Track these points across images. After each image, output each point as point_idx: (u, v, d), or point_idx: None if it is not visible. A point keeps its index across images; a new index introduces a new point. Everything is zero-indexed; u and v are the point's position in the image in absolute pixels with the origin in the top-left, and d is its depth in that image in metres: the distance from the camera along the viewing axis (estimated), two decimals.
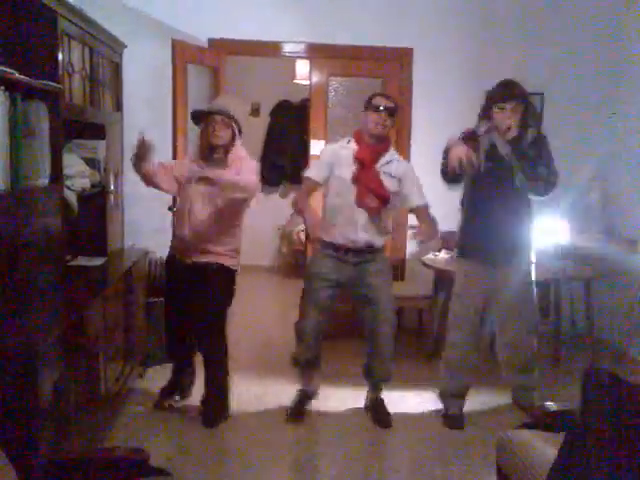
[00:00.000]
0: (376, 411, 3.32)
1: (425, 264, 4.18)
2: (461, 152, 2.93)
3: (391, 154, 3.20)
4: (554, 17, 4.49)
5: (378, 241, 3.20)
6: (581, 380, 1.83)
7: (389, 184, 3.13)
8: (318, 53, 4.40)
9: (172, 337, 3.33)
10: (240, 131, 3.08)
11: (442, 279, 4.20)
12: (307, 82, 4.69)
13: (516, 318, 3.25)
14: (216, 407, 3.22)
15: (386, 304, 3.20)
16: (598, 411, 1.76)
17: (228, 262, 3.13)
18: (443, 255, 4.23)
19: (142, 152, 2.96)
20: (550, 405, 2.46)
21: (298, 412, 3.26)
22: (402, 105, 4.44)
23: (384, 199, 3.09)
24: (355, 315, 3.39)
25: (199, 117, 3.13)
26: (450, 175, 3.06)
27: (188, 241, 3.08)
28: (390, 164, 3.16)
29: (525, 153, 2.98)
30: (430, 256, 4.25)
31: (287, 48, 4.41)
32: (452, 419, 3.28)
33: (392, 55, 4.43)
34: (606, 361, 4.04)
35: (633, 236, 4.26)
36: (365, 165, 3.10)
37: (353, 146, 3.16)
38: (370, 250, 3.16)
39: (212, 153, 3.06)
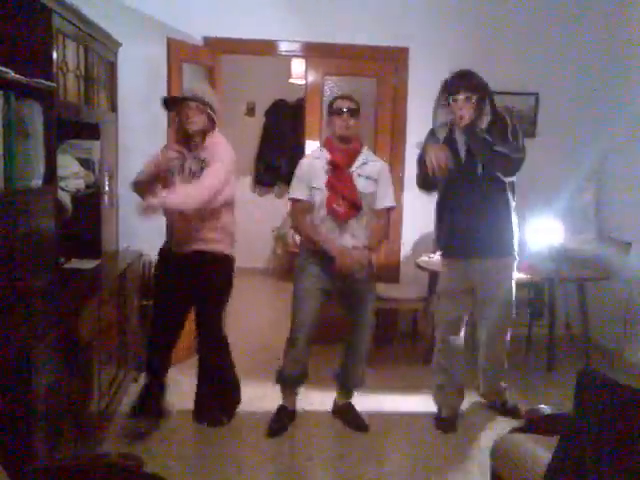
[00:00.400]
0: (351, 416, 3.31)
1: (419, 266, 4.17)
2: (439, 155, 2.95)
3: (365, 155, 3.16)
4: (549, 17, 4.49)
5: (362, 244, 3.14)
6: (575, 383, 1.83)
7: (365, 186, 3.09)
8: (314, 52, 4.39)
9: (158, 338, 3.21)
10: (214, 117, 3.03)
11: (436, 281, 4.20)
12: (303, 81, 4.67)
13: (493, 314, 3.25)
14: (226, 402, 3.23)
15: (369, 312, 3.21)
16: (592, 414, 1.76)
17: (222, 249, 3.09)
18: (437, 257, 4.22)
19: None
20: (544, 408, 2.46)
21: (278, 429, 3.19)
22: (396, 106, 4.45)
23: (355, 205, 3.05)
24: (336, 321, 3.39)
25: (172, 103, 3.11)
26: (428, 179, 3.09)
27: (179, 231, 3.07)
28: (365, 165, 3.13)
29: (479, 138, 2.96)
30: (424, 258, 4.25)
31: (282, 47, 4.39)
32: (445, 423, 3.27)
33: (388, 54, 4.42)
34: (600, 363, 4.05)
35: (627, 238, 4.27)
36: (338, 168, 3.08)
37: (325, 154, 3.13)
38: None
39: (189, 139, 3.04)
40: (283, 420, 3.24)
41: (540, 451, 2.09)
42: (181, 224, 3.04)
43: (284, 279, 6.32)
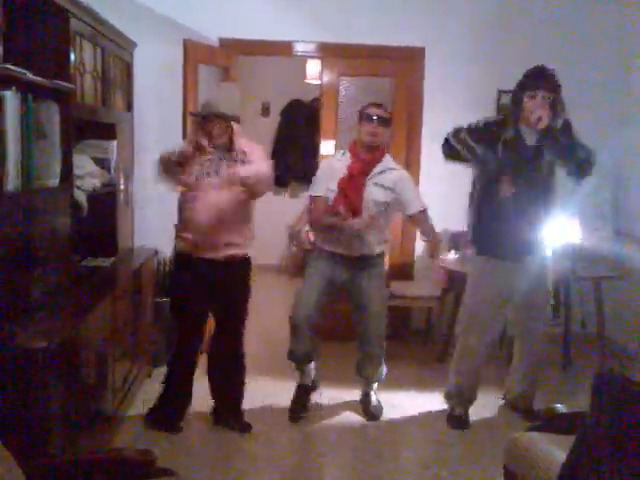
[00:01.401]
0: (364, 405, 3.37)
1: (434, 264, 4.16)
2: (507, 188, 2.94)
3: (384, 164, 3.17)
4: (569, 14, 4.43)
5: (375, 250, 3.21)
6: (592, 383, 1.82)
7: (379, 195, 3.12)
8: (329, 52, 4.39)
9: (186, 343, 3.11)
10: (238, 120, 2.99)
11: (451, 279, 4.18)
12: (318, 82, 4.68)
13: (531, 318, 3.20)
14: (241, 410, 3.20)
15: (378, 310, 3.23)
16: (609, 414, 1.75)
17: (249, 252, 3.10)
18: (453, 255, 4.21)
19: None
20: (560, 407, 2.44)
21: (299, 410, 3.30)
22: (412, 106, 4.44)
23: (355, 211, 3.07)
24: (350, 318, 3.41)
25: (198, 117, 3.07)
26: (462, 160, 3.04)
27: (209, 235, 2.95)
28: (383, 174, 3.14)
29: (561, 142, 2.90)
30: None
31: (298, 48, 4.40)
32: (457, 420, 3.26)
33: (403, 54, 4.41)
34: (616, 362, 4.00)
35: None
36: (353, 176, 3.11)
37: (347, 158, 3.16)
38: (366, 258, 3.18)
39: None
40: (302, 398, 3.34)
41: (555, 450, 2.08)
42: (213, 227, 2.94)
43: (298, 276, 6.33)
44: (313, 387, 3.47)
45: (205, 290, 3.01)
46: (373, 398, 3.40)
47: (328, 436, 3.20)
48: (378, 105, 3.19)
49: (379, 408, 3.38)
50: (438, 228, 4.43)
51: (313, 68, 5.66)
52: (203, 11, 4.14)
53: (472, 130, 3.02)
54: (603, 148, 4.30)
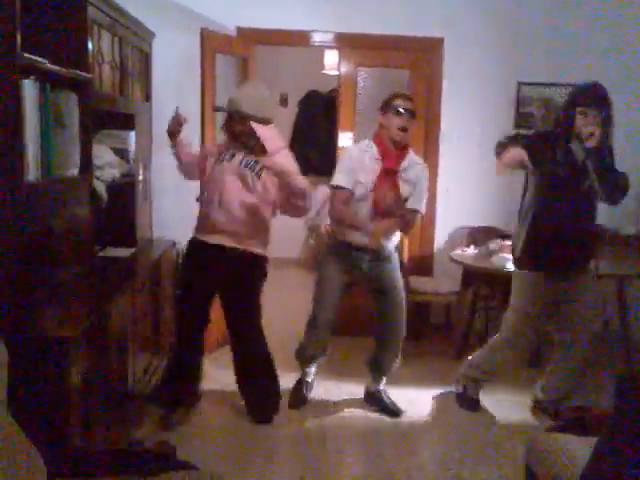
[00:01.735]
0: (383, 403, 3.33)
1: (453, 259, 4.11)
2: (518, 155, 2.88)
3: (409, 159, 3.12)
4: (591, 14, 4.33)
5: (392, 243, 3.19)
6: (616, 384, 1.78)
7: (404, 190, 3.09)
8: (347, 43, 4.34)
9: (188, 328, 3.15)
10: (263, 120, 2.94)
11: (470, 275, 4.14)
12: (336, 72, 4.64)
13: (587, 331, 3.15)
14: (270, 399, 3.20)
15: (401, 298, 3.21)
16: (633, 415, 1.71)
17: (256, 249, 3.06)
18: (471, 250, 4.16)
19: (174, 127, 3.07)
20: (583, 408, 2.41)
21: (295, 401, 3.32)
22: (430, 98, 4.39)
23: (393, 208, 3.05)
24: (366, 313, 3.41)
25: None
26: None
27: (222, 225, 2.97)
28: (407, 170, 3.10)
29: (606, 163, 2.88)
30: (458, 252, 4.19)
31: (316, 38, 4.36)
32: (469, 400, 3.31)
33: (422, 45, 4.35)
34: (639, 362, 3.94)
35: None
36: (390, 174, 3.06)
37: (375, 150, 3.08)
38: (382, 251, 3.14)
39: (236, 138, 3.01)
40: (302, 391, 3.37)
41: (577, 451, 2.04)
42: (227, 216, 2.96)
43: (315, 269, 6.31)
44: (312, 385, 3.47)
45: (210, 275, 3.04)
46: (385, 395, 3.37)
47: (345, 431, 3.17)
48: (406, 97, 3.10)
49: (395, 404, 3.35)
50: (455, 224, 4.45)
51: (331, 59, 5.62)
52: (221, 0, 4.11)
53: (528, 136, 3.08)
54: (629, 146, 4.27)
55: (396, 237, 3.25)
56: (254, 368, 3.17)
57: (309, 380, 3.45)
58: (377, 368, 3.35)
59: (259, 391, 3.18)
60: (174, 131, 3.09)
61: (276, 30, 4.20)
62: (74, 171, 2.47)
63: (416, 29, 4.28)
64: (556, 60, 4.34)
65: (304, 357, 3.37)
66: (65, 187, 2.47)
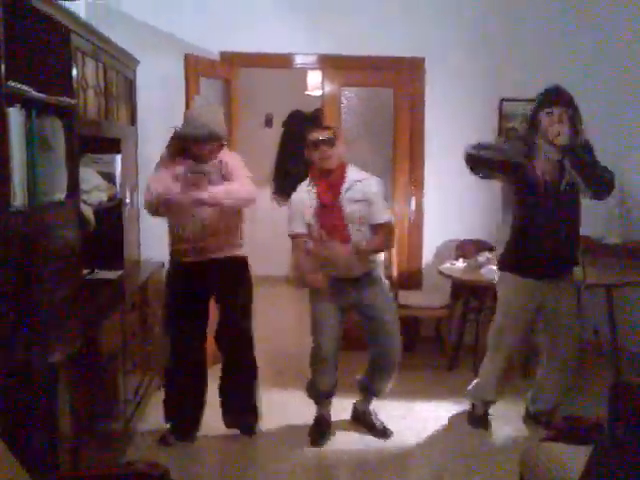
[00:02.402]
0: (372, 423, 3.30)
1: (442, 273, 4.14)
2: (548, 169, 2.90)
3: (351, 179, 3.06)
4: (565, 26, 4.43)
5: (374, 264, 3.14)
6: (609, 393, 1.79)
7: (355, 209, 3.02)
8: (330, 64, 4.40)
9: (187, 353, 3.11)
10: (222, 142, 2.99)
11: (459, 288, 4.16)
12: (319, 93, 4.69)
13: (566, 336, 3.16)
14: (253, 413, 3.20)
15: (392, 320, 3.18)
16: (626, 424, 1.72)
17: (241, 252, 3.11)
18: (460, 264, 4.19)
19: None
20: (575, 417, 2.41)
21: (319, 441, 3.19)
22: (414, 116, 4.44)
23: (341, 235, 2.99)
24: (355, 329, 3.37)
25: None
26: (489, 170, 3.01)
27: (206, 245, 2.99)
28: (352, 189, 3.04)
29: (584, 159, 2.90)
30: (447, 265, 4.22)
31: (299, 60, 4.42)
32: (478, 418, 3.27)
33: (404, 65, 4.42)
34: (630, 370, 3.96)
35: None
36: (326, 202, 3.02)
37: (314, 188, 3.07)
38: (367, 275, 3.11)
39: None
40: (324, 429, 3.23)
41: (572, 461, 2.04)
42: (209, 230, 2.98)
43: (303, 287, 6.30)
44: (329, 422, 3.31)
45: (201, 292, 3.06)
46: (375, 415, 3.33)
47: (339, 446, 3.16)
48: (319, 128, 3.15)
49: (384, 425, 3.30)
50: (443, 237, 4.48)
51: (314, 79, 5.68)
52: (204, 26, 4.16)
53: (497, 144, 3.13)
54: (610, 156, 4.32)
55: (379, 257, 3.22)
56: (243, 376, 3.17)
57: (327, 414, 3.30)
58: (368, 390, 3.32)
59: (244, 399, 3.18)
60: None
61: (259, 54, 4.25)
62: (61, 196, 2.49)
63: (398, 49, 4.35)
64: (538, 76, 4.40)
65: (315, 394, 3.27)
66: (53, 212, 2.48)
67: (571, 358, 3.20)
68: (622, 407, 1.74)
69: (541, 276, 3.06)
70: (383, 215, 3.07)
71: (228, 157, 3.04)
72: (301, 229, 3.07)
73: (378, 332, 3.18)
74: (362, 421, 3.34)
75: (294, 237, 3.11)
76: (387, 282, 3.26)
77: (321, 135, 3.03)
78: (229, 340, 3.15)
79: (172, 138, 2.99)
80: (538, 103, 3.01)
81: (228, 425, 3.21)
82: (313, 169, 3.12)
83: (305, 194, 3.10)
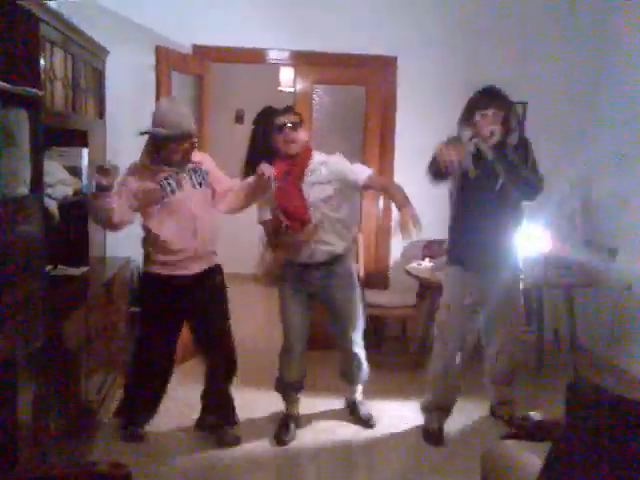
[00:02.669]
0: (356, 413, 3.38)
1: (409, 273, 4.18)
2: (453, 152, 2.85)
3: (315, 163, 3.05)
4: (539, 26, 4.53)
5: (339, 247, 3.09)
6: (566, 391, 1.83)
7: (323, 192, 3.01)
8: (302, 61, 4.40)
9: (159, 359, 3.07)
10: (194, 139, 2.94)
11: (426, 288, 4.21)
12: (292, 89, 4.68)
13: (502, 328, 3.25)
14: (233, 417, 3.19)
15: (351, 317, 3.20)
16: (583, 423, 1.77)
17: (216, 259, 3.09)
18: (427, 264, 4.24)
19: (109, 182, 2.72)
20: (534, 415, 2.47)
21: (285, 440, 3.19)
22: (385, 114, 4.47)
23: (304, 219, 2.99)
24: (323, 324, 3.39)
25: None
26: (437, 172, 3.02)
27: (198, 252, 2.94)
28: (316, 172, 3.03)
29: (508, 158, 2.96)
30: (414, 265, 4.26)
31: (271, 55, 4.40)
32: (431, 435, 3.24)
33: (376, 63, 4.44)
34: (588, 369, 4.07)
35: (613, 244, 4.31)
36: (283, 186, 2.99)
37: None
38: (332, 260, 3.09)
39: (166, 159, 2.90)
40: (290, 428, 3.24)
41: (530, 458, 2.08)
42: (201, 244, 2.93)
43: (273, 285, 6.29)
44: (299, 418, 3.35)
45: (181, 304, 2.98)
46: (360, 405, 3.41)
47: (300, 447, 3.16)
48: (284, 111, 3.12)
49: (370, 415, 3.39)
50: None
51: (286, 75, 5.67)
52: (176, 18, 4.11)
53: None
54: (572, 159, 4.45)
55: (348, 241, 3.19)
56: (226, 374, 3.14)
57: (296, 413, 3.33)
58: (346, 379, 3.41)
59: (226, 394, 3.17)
60: (109, 186, 2.73)
61: (232, 48, 4.22)
62: (24, 189, 2.43)
63: (370, 48, 4.37)
64: (509, 79, 4.48)
65: (284, 388, 3.29)
66: (15, 206, 2.42)
67: (512, 351, 3.29)
68: (578, 405, 1.78)
69: (477, 267, 3.11)
70: (364, 170, 3.09)
71: (207, 163, 3.01)
72: (267, 216, 3.09)
73: (339, 322, 3.22)
74: (351, 411, 3.43)
75: (262, 223, 3.13)
76: (353, 265, 3.26)
77: (287, 119, 3.03)
78: (218, 352, 3.10)
79: (151, 140, 2.88)
80: (472, 103, 3.06)
81: (209, 424, 3.17)
82: (276, 158, 3.06)
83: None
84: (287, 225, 3.01)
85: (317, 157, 3.08)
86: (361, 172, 3.06)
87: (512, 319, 3.28)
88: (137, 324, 3.23)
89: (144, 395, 3.13)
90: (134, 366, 3.13)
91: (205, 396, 3.21)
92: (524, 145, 3.07)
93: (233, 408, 3.21)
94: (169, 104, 2.93)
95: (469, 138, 3.05)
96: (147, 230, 2.92)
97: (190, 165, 2.93)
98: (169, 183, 2.87)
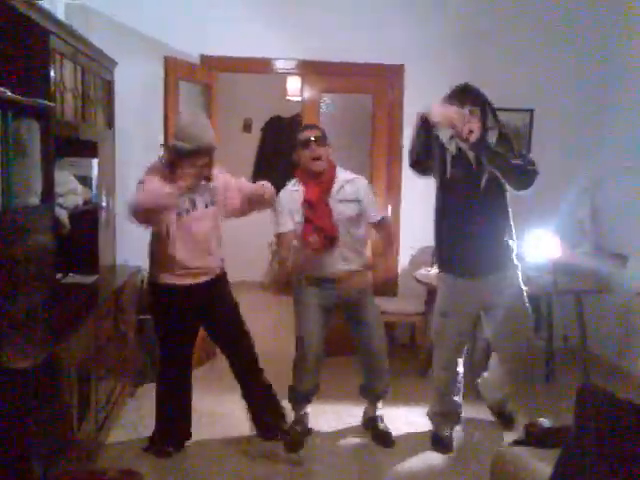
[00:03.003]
0: (376, 429, 3.30)
1: (417, 280, 4.18)
2: (451, 111, 2.81)
3: (341, 180, 3.11)
4: (545, 32, 4.54)
5: (357, 264, 3.15)
6: (575, 397, 1.83)
7: (347, 209, 3.07)
8: (309, 70, 4.43)
9: (181, 371, 3.09)
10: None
11: (434, 294, 4.19)
12: (299, 98, 4.71)
13: (512, 333, 3.16)
14: (280, 411, 3.22)
15: (375, 321, 3.22)
16: (592, 428, 1.76)
17: (223, 266, 3.13)
18: (435, 271, 4.22)
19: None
20: (544, 421, 2.45)
21: (296, 447, 3.15)
22: (392, 122, 4.48)
23: (331, 238, 3.03)
24: (344, 332, 3.39)
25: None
26: (424, 147, 2.97)
27: (209, 267, 3.00)
28: (343, 189, 3.09)
29: (493, 151, 2.88)
30: (422, 272, 4.26)
31: (278, 65, 4.43)
32: (440, 443, 3.21)
33: (383, 72, 4.46)
34: (598, 375, 4.04)
35: (623, 251, 4.29)
36: (314, 205, 3.06)
37: (301, 187, 3.10)
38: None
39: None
40: (299, 437, 3.20)
41: (539, 465, 2.08)
42: (197, 260, 2.95)
43: (280, 293, 6.31)
44: (309, 431, 3.31)
45: (193, 314, 3.01)
46: (380, 421, 3.33)
47: (312, 454, 3.16)
48: (311, 127, 3.18)
49: (389, 432, 3.29)
50: (420, 243, 4.51)
51: (293, 84, 5.71)
52: (184, 29, 4.15)
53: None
54: (580, 165, 4.45)
55: (364, 259, 3.23)
56: (257, 375, 3.18)
57: (306, 422, 3.31)
58: (368, 394, 3.35)
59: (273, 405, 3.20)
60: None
61: (239, 58, 4.25)
62: (36, 199, 2.46)
63: (377, 56, 4.39)
64: (516, 86, 4.50)
65: (297, 397, 3.27)
66: (27, 215, 2.45)
67: (517, 357, 3.22)
68: (587, 411, 1.78)
69: (468, 274, 3.04)
70: (379, 212, 3.18)
71: (221, 176, 3.02)
72: (290, 227, 3.08)
73: (361, 336, 3.21)
74: (369, 426, 3.35)
75: (280, 235, 3.11)
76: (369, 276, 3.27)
77: (312, 134, 3.06)
78: (247, 365, 3.15)
79: (168, 150, 2.89)
80: (447, 102, 2.98)
81: (267, 438, 3.19)
82: (300, 170, 3.12)
83: (294, 193, 3.12)
84: (312, 242, 3.02)
85: (342, 175, 3.15)
86: (374, 214, 3.15)
87: (518, 323, 3.18)
88: (152, 335, 3.26)
89: (177, 408, 3.11)
90: (160, 382, 3.12)
91: (245, 395, 3.21)
92: (506, 137, 2.97)
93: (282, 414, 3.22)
94: (190, 117, 2.95)
95: (448, 137, 2.99)
96: (160, 249, 2.94)
97: (203, 183, 2.93)
98: (184, 202, 2.89)
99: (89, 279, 3.17)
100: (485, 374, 3.48)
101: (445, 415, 3.26)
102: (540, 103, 4.55)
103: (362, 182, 3.17)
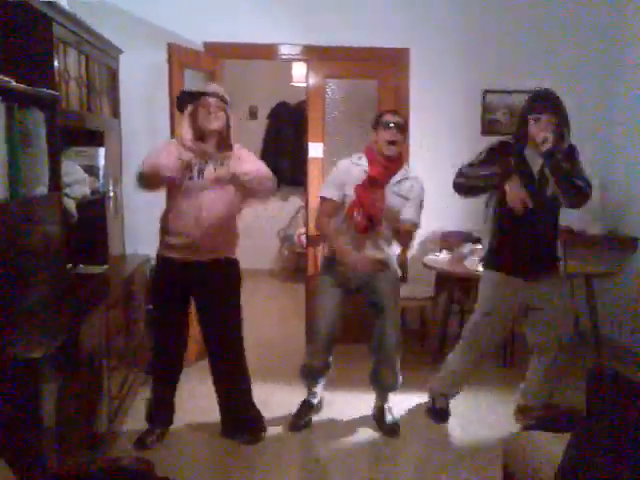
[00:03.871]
0: (382, 420, 3.29)
1: (426, 265, 4.17)
2: (522, 196, 2.89)
3: (403, 173, 3.12)
4: (555, 15, 4.47)
5: (386, 255, 3.13)
6: (586, 379, 1.82)
7: (397, 203, 3.07)
8: (314, 55, 4.39)
9: (168, 351, 3.07)
10: (230, 117, 2.95)
11: (443, 279, 4.19)
12: (304, 84, 4.68)
13: (556, 338, 3.14)
14: (256, 417, 3.13)
15: (394, 314, 3.20)
16: (604, 410, 1.76)
17: (233, 253, 3.04)
18: (444, 255, 4.22)
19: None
20: (556, 405, 2.45)
21: (299, 423, 3.22)
22: (398, 107, 4.45)
23: (373, 220, 3.02)
24: (364, 320, 3.38)
25: (186, 101, 2.91)
26: (474, 191, 3.05)
27: (197, 241, 2.89)
28: (401, 183, 3.09)
29: (561, 166, 2.88)
30: (431, 257, 4.24)
31: (283, 51, 4.40)
32: (438, 412, 3.30)
33: (388, 56, 4.41)
34: (610, 358, 4.03)
35: (634, 233, 4.26)
36: (377, 184, 3.04)
37: (364, 163, 3.09)
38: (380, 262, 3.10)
39: (203, 141, 2.89)
40: (306, 414, 3.26)
41: (553, 448, 2.07)
42: (204, 234, 2.88)
43: (290, 280, 6.33)
44: (318, 407, 3.38)
45: (188, 294, 2.99)
46: (388, 413, 3.31)
47: (325, 441, 3.17)
48: (394, 112, 3.17)
49: (396, 424, 3.27)
50: (427, 229, 4.49)
51: (298, 70, 5.67)
52: (187, 16, 4.13)
53: (475, 164, 3.05)
54: (592, 148, 4.40)
55: (394, 248, 3.21)
56: (236, 382, 3.09)
57: (315, 402, 3.34)
58: (377, 384, 3.33)
59: (242, 406, 3.12)
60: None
61: (243, 44, 4.23)
62: (43, 189, 2.46)
63: (382, 40, 4.35)
64: (520, 68, 4.45)
65: (309, 373, 3.29)
66: (34, 206, 2.45)
67: (559, 356, 3.19)
68: (599, 393, 1.77)
69: (524, 275, 3.07)
70: (417, 216, 3.11)
71: (237, 149, 2.97)
72: (331, 195, 3.10)
73: (377, 322, 3.20)
74: (377, 417, 3.33)
75: (325, 200, 3.13)
76: (398, 270, 3.26)
77: (395, 118, 3.07)
78: (220, 357, 3.04)
79: (189, 113, 2.90)
80: (527, 107, 2.98)
81: (228, 436, 3.12)
82: (370, 150, 3.11)
83: (354, 167, 3.11)
84: (356, 217, 3.01)
85: (406, 170, 3.16)
86: (416, 215, 3.10)
87: (561, 327, 3.16)
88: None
89: (166, 380, 3.11)
90: (154, 352, 3.13)
91: (218, 402, 3.14)
92: (573, 152, 2.98)
93: (255, 426, 3.12)
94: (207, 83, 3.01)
95: (518, 146, 2.99)
96: (162, 217, 2.99)
97: (220, 155, 2.89)
98: (195, 172, 2.87)
99: (99, 269, 3.17)
100: (522, 386, 3.37)
101: (448, 396, 3.35)
102: (551, 87, 4.48)
103: (419, 183, 3.15)
